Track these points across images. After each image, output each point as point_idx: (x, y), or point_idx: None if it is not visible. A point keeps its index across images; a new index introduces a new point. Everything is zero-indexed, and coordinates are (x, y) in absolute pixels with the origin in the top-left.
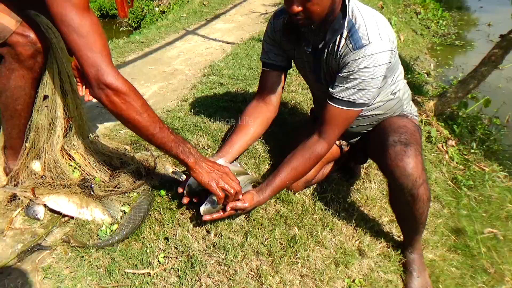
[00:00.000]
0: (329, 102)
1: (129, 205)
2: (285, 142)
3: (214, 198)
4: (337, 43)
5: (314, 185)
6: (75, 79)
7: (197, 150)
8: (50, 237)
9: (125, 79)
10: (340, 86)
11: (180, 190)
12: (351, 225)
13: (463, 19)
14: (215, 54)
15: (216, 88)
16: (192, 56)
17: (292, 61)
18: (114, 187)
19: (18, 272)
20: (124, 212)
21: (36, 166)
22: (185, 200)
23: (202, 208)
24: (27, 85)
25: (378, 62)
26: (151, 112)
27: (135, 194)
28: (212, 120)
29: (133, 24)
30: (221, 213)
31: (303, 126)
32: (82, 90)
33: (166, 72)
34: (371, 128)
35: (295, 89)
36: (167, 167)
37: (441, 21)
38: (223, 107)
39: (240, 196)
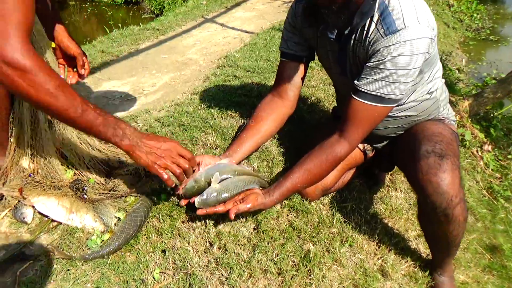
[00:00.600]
0: (353, 96)
1: (125, 211)
2: (302, 143)
3: (213, 188)
4: (366, 28)
5: (333, 193)
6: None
7: (135, 129)
8: (36, 245)
9: (36, 57)
10: (367, 78)
11: (177, 192)
12: (374, 241)
13: (498, 13)
14: (232, 43)
15: (230, 81)
16: (208, 46)
17: (315, 52)
18: (110, 190)
19: None
20: (119, 219)
21: (25, 163)
22: (183, 203)
23: (197, 200)
24: None
25: (414, 50)
26: (69, 92)
27: (132, 198)
28: (223, 116)
29: (155, 11)
30: (218, 208)
31: (324, 125)
32: (63, 73)
33: (180, 61)
34: (402, 132)
35: (316, 84)
36: None
37: (475, 15)
38: (236, 102)
39: (214, 175)
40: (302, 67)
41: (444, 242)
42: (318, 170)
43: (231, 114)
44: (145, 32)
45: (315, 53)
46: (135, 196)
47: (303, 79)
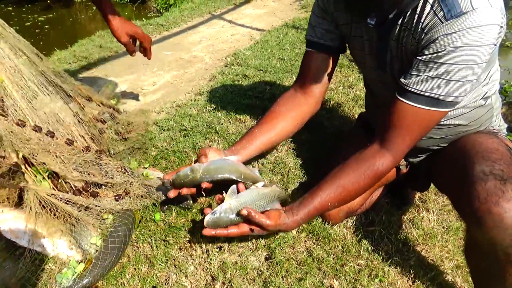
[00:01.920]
0: (399, 97)
1: (103, 234)
2: (321, 155)
3: (228, 205)
4: (418, 11)
5: (358, 215)
6: None
7: None
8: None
9: None
10: (418, 75)
11: (166, 177)
12: (407, 275)
13: None
14: (241, 41)
15: (239, 81)
16: (215, 43)
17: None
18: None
19: None
20: (96, 245)
21: None
22: (172, 194)
23: (208, 218)
24: None
25: (482, 40)
26: None
27: (110, 216)
28: (230, 120)
29: (161, 10)
30: (230, 230)
31: (352, 135)
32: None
33: (184, 59)
34: (445, 145)
35: (335, 86)
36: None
37: None
38: (246, 104)
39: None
40: (331, 59)
41: (499, 285)
42: (354, 186)
43: (240, 119)
44: (148, 27)
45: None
46: (113, 213)
47: (331, 74)
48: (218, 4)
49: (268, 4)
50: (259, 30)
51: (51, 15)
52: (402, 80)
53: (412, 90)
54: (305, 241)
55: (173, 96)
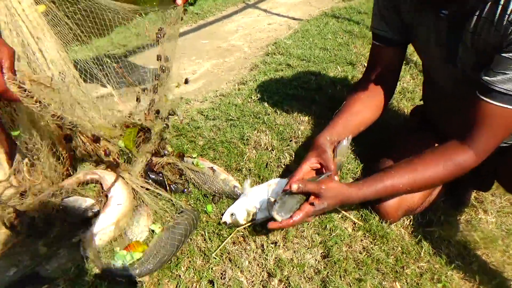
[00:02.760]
0: (483, 97)
1: (162, 224)
2: (371, 148)
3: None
4: (502, 2)
5: (415, 214)
6: None
7: None
8: (53, 263)
9: None
10: (505, 73)
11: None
12: (471, 281)
13: None
14: (279, 30)
15: (282, 71)
16: (252, 32)
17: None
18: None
19: None
20: (153, 232)
21: None
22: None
23: (274, 208)
24: None
25: None
26: None
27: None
28: (277, 111)
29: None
30: (294, 217)
31: (406, 131)
32: None
33: (222, 48)
34: None
35: None
36: (224, 175)
37: None
38: (292, 95)
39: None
40: (399, 51)
41: None
42: (431, 176)
43: (287, 109)
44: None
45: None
46: (179, 207)
47: (401, 63)
48: None
49: None
50: (296, 19)
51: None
52: (485, 77)
53: (498, 89)
54: (361, 239)
55: (215, 85)
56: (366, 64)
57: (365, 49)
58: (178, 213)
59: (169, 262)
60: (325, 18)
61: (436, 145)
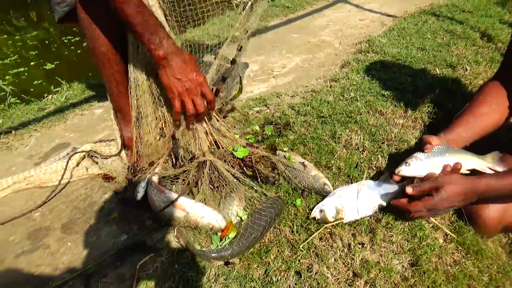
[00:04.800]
0: None
1: (247, 211)
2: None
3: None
4: None
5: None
6: None
7: (174, 42)
8: (159, 235)
9: None
10: None
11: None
12: None
13: None
14: (371, 27)
15: (376, 69)
16: (343, 28)
17: None
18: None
19: (114, 275)
20: (241, 219)
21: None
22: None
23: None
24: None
25: None
26: None
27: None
28: (370, 111)
29: None
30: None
31: None
32: None
33: (312, 43)
34: None
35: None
36: (315, 172)
37: None
38: (387, 96)
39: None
40: None
41: None
42: None
43: (380, 111)
44: (273, 9)
45: None
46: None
47: None
48: None
49: None
50: (390, 16)
51: None
52: None
53: None
54: (453, 252)
55: (305, 81)
56: (467, 67)
57: (468, 51)
58: (264, 201)
59: (255, 246)
60: (424, 16)
61: None
